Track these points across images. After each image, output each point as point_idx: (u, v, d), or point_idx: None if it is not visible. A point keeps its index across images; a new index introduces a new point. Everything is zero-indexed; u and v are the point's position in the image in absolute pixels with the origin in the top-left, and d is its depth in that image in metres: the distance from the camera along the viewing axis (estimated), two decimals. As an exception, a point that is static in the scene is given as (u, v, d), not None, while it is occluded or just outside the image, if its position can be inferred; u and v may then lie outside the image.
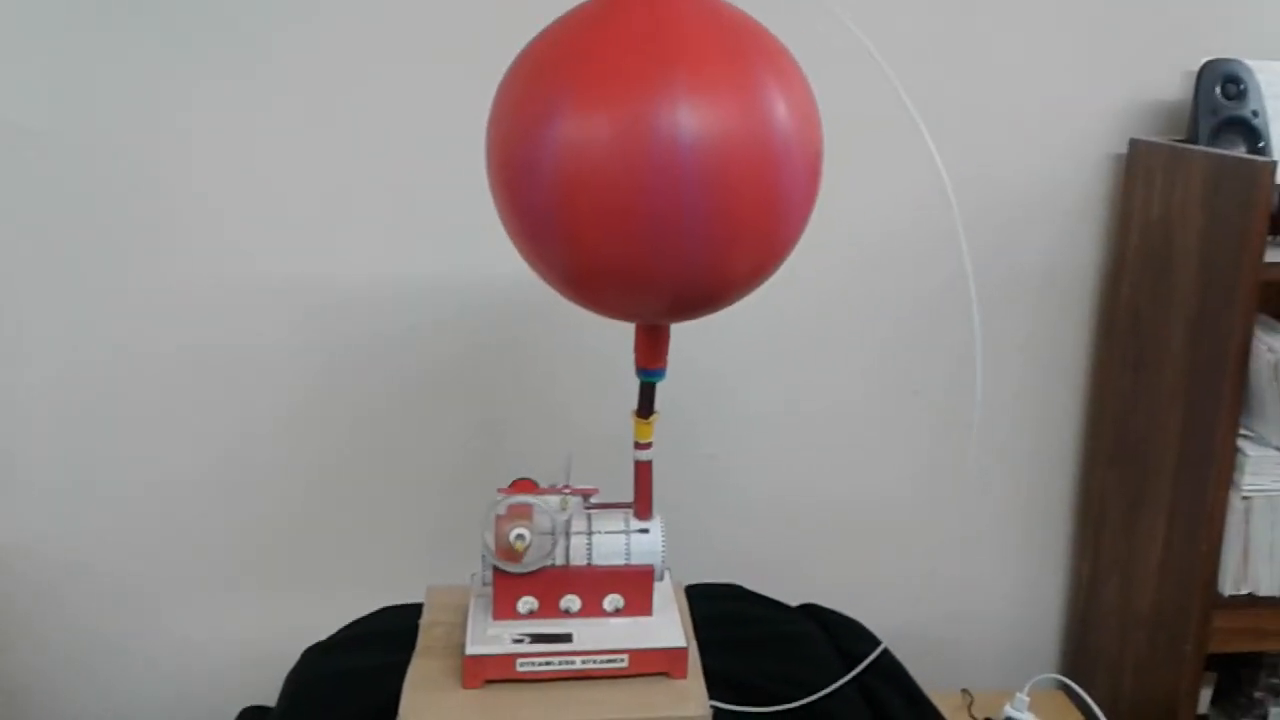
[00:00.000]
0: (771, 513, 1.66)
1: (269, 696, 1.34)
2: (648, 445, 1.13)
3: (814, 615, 1.49)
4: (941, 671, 1.67)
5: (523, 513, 1.11)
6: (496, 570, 1.11)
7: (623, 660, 1.09)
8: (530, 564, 1.11)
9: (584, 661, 1.08)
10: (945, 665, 1.74)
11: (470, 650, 1.07)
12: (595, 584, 1.12)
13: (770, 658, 1.33)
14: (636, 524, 1.15)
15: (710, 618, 1.20)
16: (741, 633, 1.37)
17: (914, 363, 1.63)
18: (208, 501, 1.56)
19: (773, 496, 1.65)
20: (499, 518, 1.11)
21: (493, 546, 1.11)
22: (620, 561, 1.13)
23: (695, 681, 1.10)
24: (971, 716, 1.63)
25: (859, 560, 1.69)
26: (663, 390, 1.07)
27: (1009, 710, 1.55)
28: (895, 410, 1.65)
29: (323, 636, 1.41)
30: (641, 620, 1.13)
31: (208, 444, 1.52)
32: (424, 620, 1.19)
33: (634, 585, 1.13)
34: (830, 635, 1.43)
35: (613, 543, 1.13)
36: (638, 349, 1.08)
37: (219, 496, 1.56)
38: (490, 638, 1.09)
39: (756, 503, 1.64)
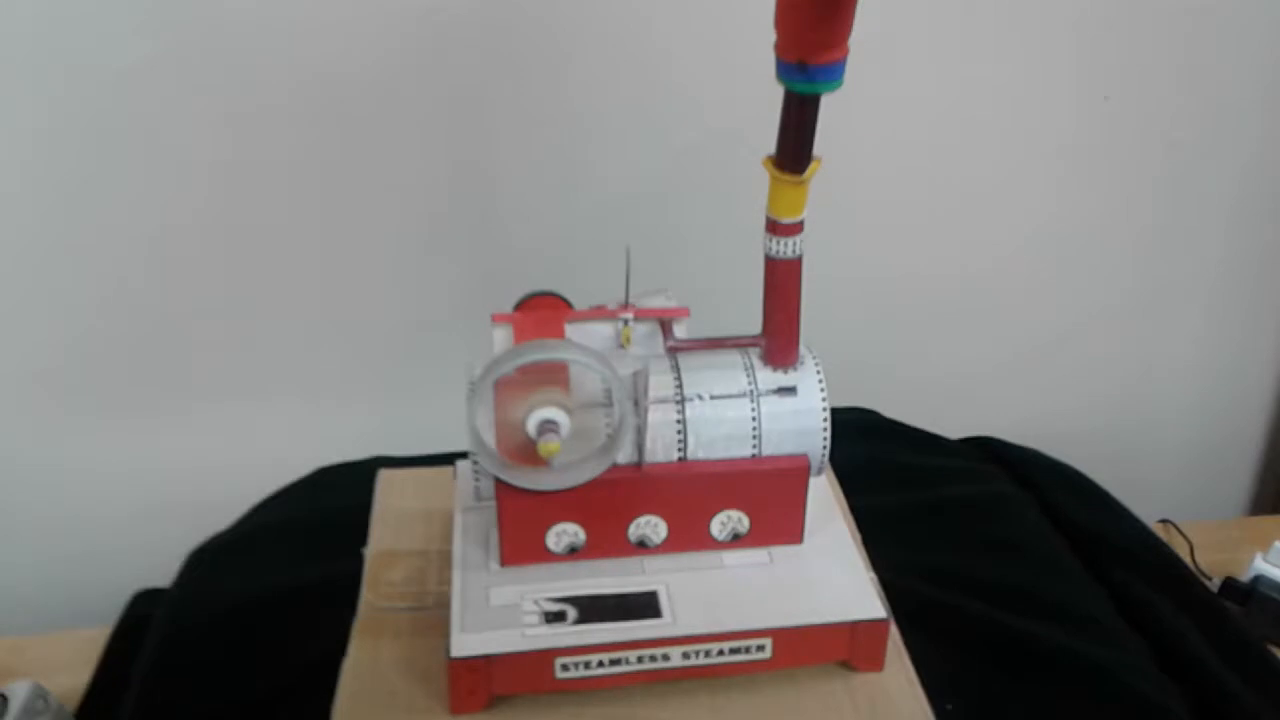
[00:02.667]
0: (900, 295, 1.08)
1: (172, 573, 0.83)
2: (797, 227, 0.55)
3: (990, 454, 0.95)
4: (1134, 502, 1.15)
5: (550, 376, 0.55)
6: (503, 484, 0.56)
7: (763, 647, 0.55)
8: (570, 469, 0.56)
9: (687, 654, 0.55)
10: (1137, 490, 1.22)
11: (459, 649, 0.53)
12: (696, 496, 0.58)
13: (960, 538, 0.80)
14: (771, 377, 0.58)
15: (847, 469, 0.66)
16: (905, 496, 0.83)
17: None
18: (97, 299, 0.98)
19: (906, 274, 1.07)
20: (503, 385, 0.54)
21: (493, 442, 0.55)
22: (744, 451, 0.58)
23: (900, 676, 0.58)
24: (1195, 563, 1.11)
25: (1020, 366, 1.13)
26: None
27: (1261, 562, 1.04)
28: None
29: (243, 495, 0.88)
30: (789, 560, 0.59)
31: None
32: (372, 547, 0.65)
33: (772, 494, 0.58)
34: (1024, 487, 0.90)
35: (729, 417, 0.57)
36: (792, 18, 0.47)
37: (115, 294, 0.98)
38: (496, 614, 0.55)
39: (874, 284, 1.07)
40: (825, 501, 0.63)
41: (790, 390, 0.58)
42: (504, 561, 0.59)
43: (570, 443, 0.55)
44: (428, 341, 1.00)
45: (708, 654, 0.55)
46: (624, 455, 0.57)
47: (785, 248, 0.55)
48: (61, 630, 0.96)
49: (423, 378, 1.00)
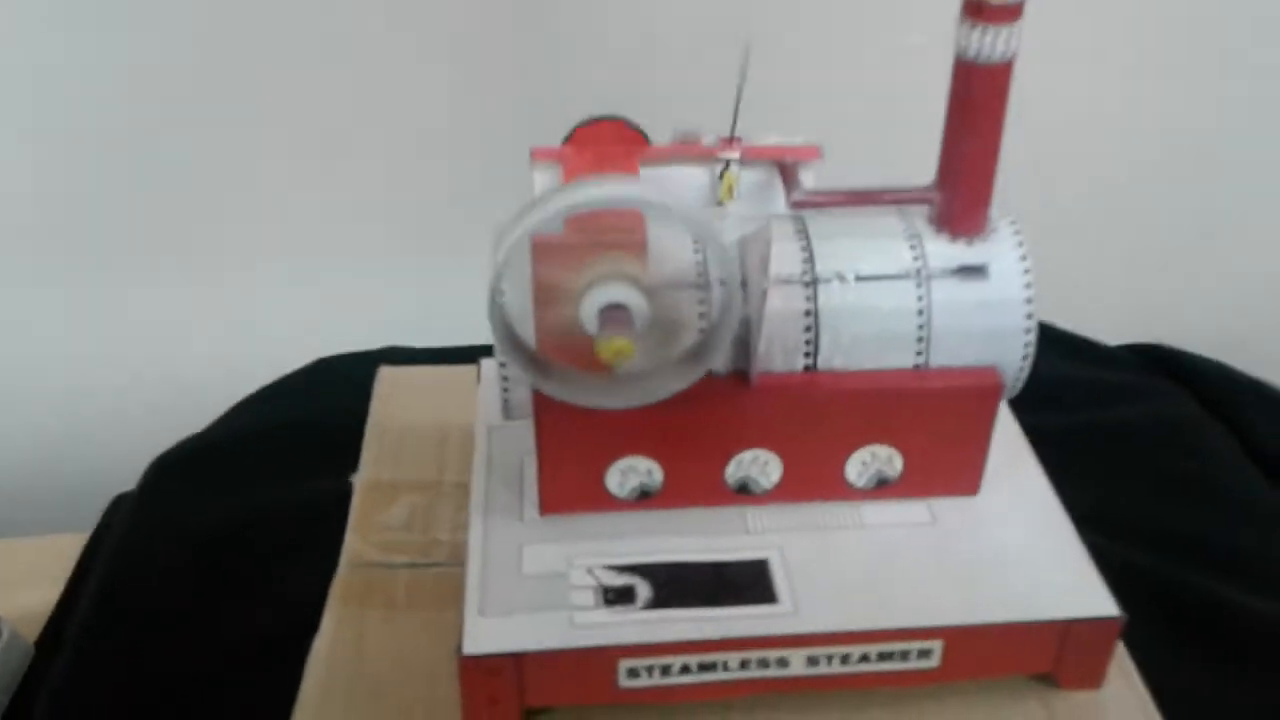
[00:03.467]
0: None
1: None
2: (1014, 10, 0.34)
3: (1161, 364, 0.75)
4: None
5: (618, 236, 0.35)
6: (545, 398, 0.37)
7: (927, 654, 0.37)
8: (644, 380, 0.37)
9: (814, 660, 0.37)
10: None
11: (475, 642, 0.35)
12: (828, 424, 0.39)
13: (1143, 475, 0.61)
14: (949, 250, 0.39)
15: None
16: (1062, 420, 0.63)
17: None
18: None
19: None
20: (546, 249, 0.35)
21: (529, 335, 0.36)
22: (903, 359, 0.38)
23: (1126, 695, 0.39)
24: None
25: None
26: None
27: None
28: None
29: (230, 389, 0.71)
30: (962, 520, 0.40)
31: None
32: (363, 474, 0.47)
33: (942, 423, 0.39)
34: (1209, 407, 0.70)
35: (882, 308, 0.39)
36: None
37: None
38: (531, 588, 0.38)
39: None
40: (1008, 435, 0.44)
41: (977, 271, 0.39)
42: (544, 509, 0.40)
43: (646, 340, 0.36)
44: (462, 198, 0.80)
45: (844, 660, 0.37)
46: (723, 361, 0.38)
47: (993, 43, 0.35)
48: (29, 536, 0.81)
49: (452, 248, 0.81)
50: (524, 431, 0.41)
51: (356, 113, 0.79)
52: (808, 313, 0.38)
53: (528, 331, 0.37)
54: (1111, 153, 0.88)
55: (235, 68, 0.76)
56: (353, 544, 0.43)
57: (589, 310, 0.35)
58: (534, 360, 0.36)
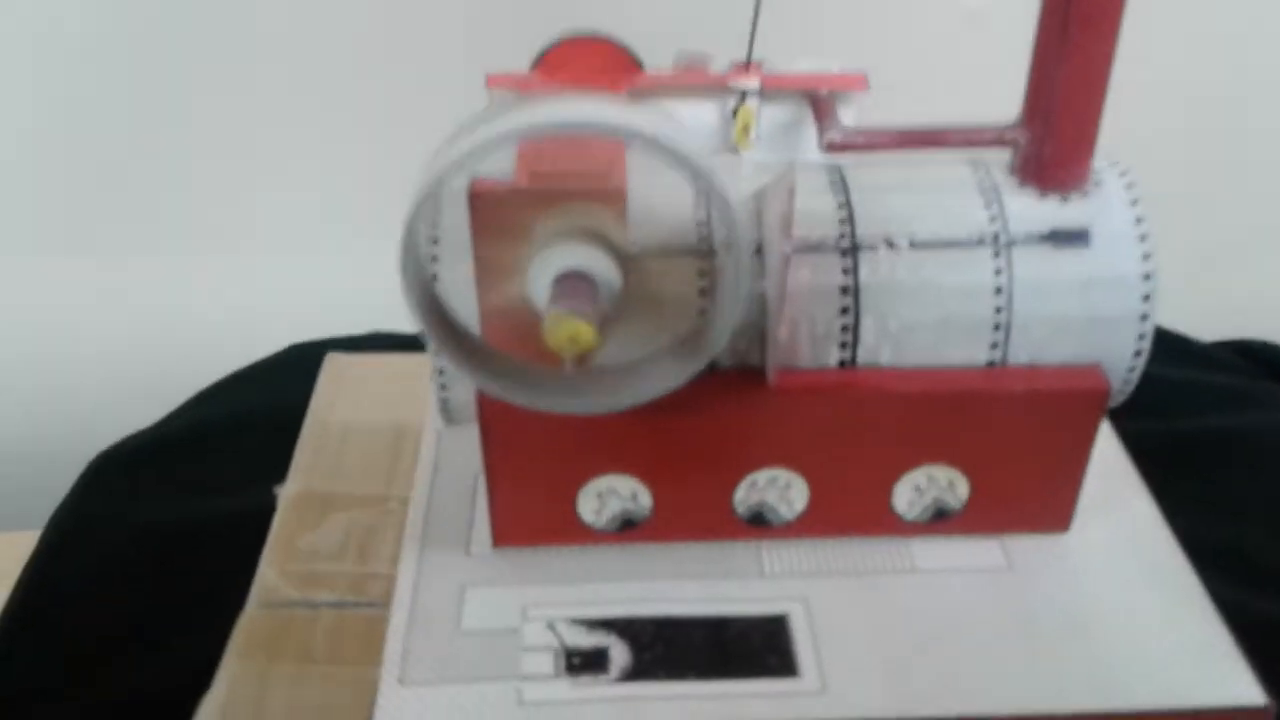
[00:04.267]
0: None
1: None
2: None
3: (1262, 364, 0.65)
4: None
5: (587, 178, 0.25)
6: (488, 398, 0.27)
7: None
8: (621, 377, 0.27)
9: None
10: None
11: None
12: (871, 436, 0.30)
13: (1253, 498, 0.51)
14: (1038, 209, 0.29)
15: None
16: (1153, 427, 0.52)
17: None
18: None
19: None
20: (486, 193, 0.25)
21: (465, 310, 0.27)
22: (973, 354, 0.28)
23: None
24: None
25: None
26: None
27: None
28: None
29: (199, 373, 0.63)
30: (1048, 567, 0.30)
31: None
32: (291, 484, 0.38)
33: (1024, 438, 0.29)
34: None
35: (947, 285, 0.29)
36: None
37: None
38: (471, 649, 0.28)
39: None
40: (1107, 453, 0.34)
41: (1076, 237, 0.29)
42: (497, 540, 0.31)
43: (623, 323, 0.27)
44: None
45: (887, 761, 0.27)
46: (730, 353, 0.28)
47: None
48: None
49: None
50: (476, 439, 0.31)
51: (355, 84, 0.70)
52: (845, 290, 0.29)
53: (466, 309, 0.28)
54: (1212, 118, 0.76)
55: (228, 39, 0.67)
56: (265, 576, 0.35)
57: (538, 279, 0.26)
58: (474, 349, 0.27)
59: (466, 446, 0.35)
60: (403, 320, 0.61)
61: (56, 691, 0.42)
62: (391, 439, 0.39)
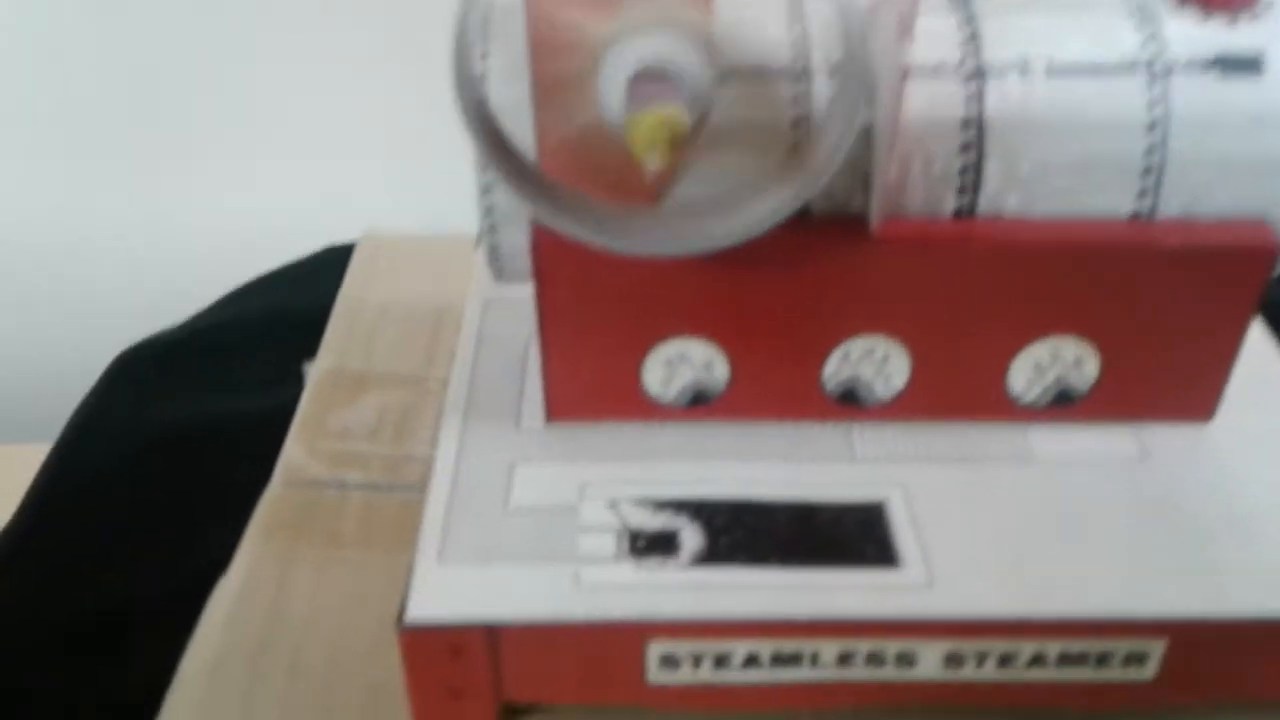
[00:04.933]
0: None
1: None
2: None
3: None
4: None
5: None
6: (546, 235, 0.23)
7: (1140, 658, 0.22)
8: (698, 213, 0.23)
9: (955, 658, 0.22)
10: None
11: (423, 604, 0.22)
12: (985, 298, 0.25)
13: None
14: (1199, 34, 0.24)
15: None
16: None
17: None
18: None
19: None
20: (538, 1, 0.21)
21: (527, 132, 0.22)
22: (1117, 201, 0.24)
23: None
24: None
25: None
26: None
27: None
28: None
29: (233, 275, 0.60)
30: (1189, 460, 0.26)
31: None
32: (321, 362, 0.34)
33: (1171, 304, 0.25)
34: None
35: (1088, 121, 0.24)
36: None
37: None
38: (519, 528, 0.24)
39: None
40: (1253, 331, 0.29)
41: (1246, 65, 0.24)
42: (551, 413, 0.27)
43: (709, 145, 0.23)
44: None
45: (1003, 662, 0.23)
46: (828, 196, 0.24)
47: None
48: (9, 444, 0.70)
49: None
50: (532, 307, 0.28)
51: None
52: (968, 123, 0.24)
53: (524, 127, 0.23)
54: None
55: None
56: (293, 453, 0.31)
57: (611, 81, 0.22)
58: (533, 177, 0.23)
59: (514, 318, 0.31)
60: (441, 227, 0.57)
61: (73, 586, 0.39)
62: (431, 318, 0.35)
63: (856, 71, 0.21)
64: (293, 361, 0.46)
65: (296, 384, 0.42)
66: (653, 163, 0.20)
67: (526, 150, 0.24)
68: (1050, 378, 0.27)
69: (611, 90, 0.22)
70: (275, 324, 0.53)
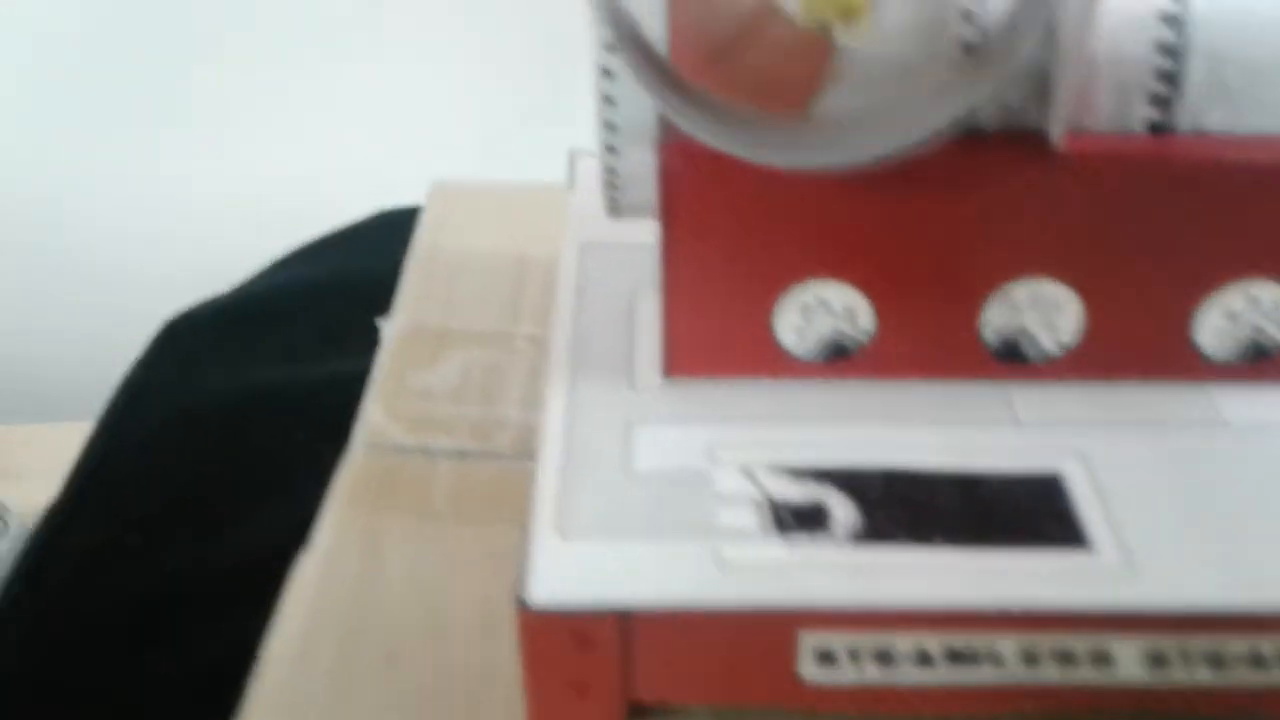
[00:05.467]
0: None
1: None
2: None
3: None
4: None
5: None
6: (673, 158, 0.20)
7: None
8: (858, 124, 0.19)
9: (1159, 657, 0.19)
10: None
11: (545, 587, 0.19)
12: (1178, 232, 0.22)
13: None
14: None
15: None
16: None
17: None
18: None
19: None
20: None
21: (662, 27, 0.19)
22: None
23: None
24: None
25: None
26: None
27: None
28: None
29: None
30: None
31: None
32: (398, 319, 0.31)
33: None
34: None
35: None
36: None
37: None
38: (646, 496, 0.21)
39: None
40: None
41: None
42: (670, 368, 0.24)
43: (865, 49, 0.19)
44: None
45: (1215, 663, 0.20)
46: (1000, 104, 0.21)
47: None
48: (52, 422, 0.69)
49: (566, 86, 0.64)
50: (636, 253, 0.24)
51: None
52: (1168, 18, 0.21)
53: (657, 20, 0.20)
54: None
55: None
56: (374, 418, 0.28)
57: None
58: (664, 68, 0.20)
59: (616, 267, 0.27)
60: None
61: (123, 566, 0.37)
62: (514, 271, 0.32)
63: None
64: (347, 327, 0.43)
65: (353, 350, 0.40)
66: (836, 30, 0.17)
67: (658, 41, 0.20)
68: (1246, 328, 0.23)
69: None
70: (328, 290, 0.50)
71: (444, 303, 0.32)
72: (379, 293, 0.44)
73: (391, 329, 0.31)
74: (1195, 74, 0.21)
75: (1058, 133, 0.21)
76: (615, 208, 0.23)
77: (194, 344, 0.49)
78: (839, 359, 0.24)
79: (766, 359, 0.24)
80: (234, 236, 0.67)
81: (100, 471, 0.42)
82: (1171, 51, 0.21)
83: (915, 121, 0.19)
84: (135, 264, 0.75)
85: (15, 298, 0.76)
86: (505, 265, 0.33)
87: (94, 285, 0.75)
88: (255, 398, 0.42)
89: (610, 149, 0.22)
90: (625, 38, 0.19)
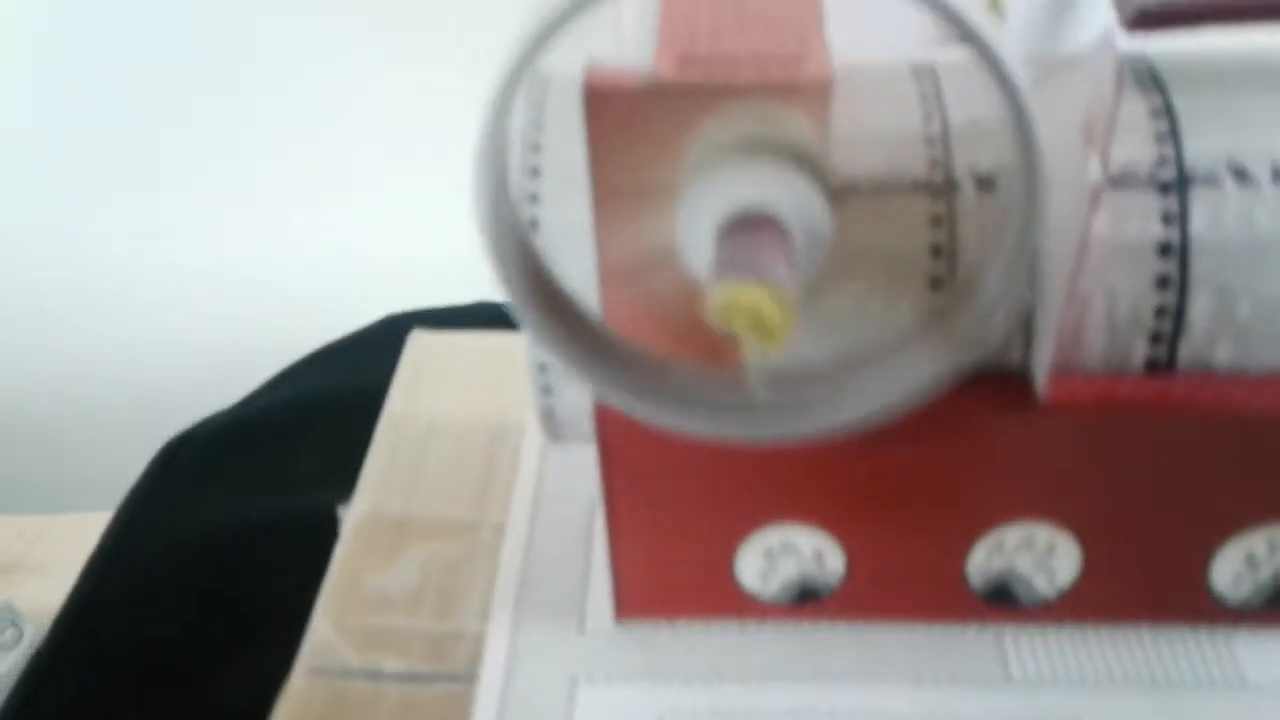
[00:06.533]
0: None
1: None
2: None
3: None
4: None
5: (778, 72, 0.15)
6: (609, 417, 0.18)
7: None
8: (809, 389, 0.17)
9: None
10: None
11: None
12: (1186, 475, 0.19)
13: None
14: None
15: None
16: None
17: None
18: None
19: None
20: (611, 103, 0.15)
21: (583, 281, 0.17)
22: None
23: None
24: None
25: None
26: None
27: None
28: None
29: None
30: None
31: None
32: (359, 503, 0.29)
33: None
34: None
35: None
36: None
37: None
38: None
39: None
40: None
41: None
42: (621, 611, 0.21)
43: (823, 285, 0.17)
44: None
45: None
46: (986, 347, 0.18)
47: None
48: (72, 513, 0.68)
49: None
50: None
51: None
52: (1166, 248, 0.18)
53: (581, 274, 0.18)
54: None
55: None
56: (320, 631, 0.26)
57: (695, 224, 0.16)
58: (592, 337, 0.18)
59: (583, 465, 0.25)
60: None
61: (103, 709, 0.36)
62: (487, 440, 0.30)
63: (1018, 191, 0.15)
64: (352, 447, 0.42)
65: (356, 474, 0.38)
66: (746, 361, 0.14)
67: (585, 297, 0.18)
68: (1266, 574, 0.20)
69: (693, 238, 0.16)
70: (332, 405, 0.49)
71: (409, 485, 0.30)
72: (378, 405, 0.42)
73: (350, 519, 0.29)
74: (1199, 309, 0.18)
75: (1041, 378, 0.19)
76: (556, 437, 0.21)
77: (191, 471, 0.48)
78: (807, 601, 0.21)
79: (728, 602, 0.21)
80: (243, 338, 0.67)
81: (86, 617, 0.41)
82: (1171, 286, 0.18)
83: (878, 394, 0.17)
84: (151, 363, 0.74)
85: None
86: (479, 432, 0.31)
87: (107, 381, 0.75)
88: (248, 535, 0.41)
89: (544, 389, 0.20)
90: (529, 293, 0.17)
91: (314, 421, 0.48)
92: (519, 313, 0.17)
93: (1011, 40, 0.21)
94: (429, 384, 0.34)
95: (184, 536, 0.42)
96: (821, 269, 0.17)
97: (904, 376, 0.17)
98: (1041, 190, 0.15)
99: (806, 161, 0.15)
